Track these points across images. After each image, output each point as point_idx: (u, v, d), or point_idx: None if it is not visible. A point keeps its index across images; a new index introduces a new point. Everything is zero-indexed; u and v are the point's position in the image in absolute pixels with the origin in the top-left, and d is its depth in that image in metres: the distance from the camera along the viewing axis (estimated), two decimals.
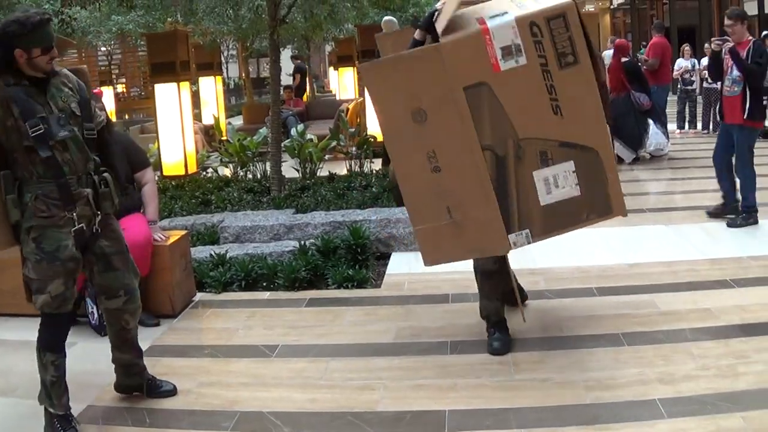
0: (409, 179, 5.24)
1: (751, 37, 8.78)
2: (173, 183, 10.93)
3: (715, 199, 9.07)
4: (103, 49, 28.33)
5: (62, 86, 4.58)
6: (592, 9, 54.28)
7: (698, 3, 27.61)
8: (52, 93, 4.50)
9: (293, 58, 27.90)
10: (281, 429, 4.55)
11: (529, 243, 5.18)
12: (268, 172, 10.76)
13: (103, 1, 9.32)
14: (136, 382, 5.09)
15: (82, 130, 4.60)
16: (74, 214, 4.53)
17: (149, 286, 6.36)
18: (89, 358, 5.71)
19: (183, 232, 7.10)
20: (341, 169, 11.56)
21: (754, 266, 6.97)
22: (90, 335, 6.25)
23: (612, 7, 41.01)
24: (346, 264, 7.45)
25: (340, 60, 20.18)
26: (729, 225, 8.49)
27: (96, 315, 6.25)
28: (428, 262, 5.41)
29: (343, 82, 20.70)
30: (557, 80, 4.86)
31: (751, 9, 27.37)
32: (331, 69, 30.36)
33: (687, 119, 16.90)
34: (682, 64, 16.69)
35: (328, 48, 32.40)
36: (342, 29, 19.84)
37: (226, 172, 11.83)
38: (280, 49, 10.75)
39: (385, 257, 7.97)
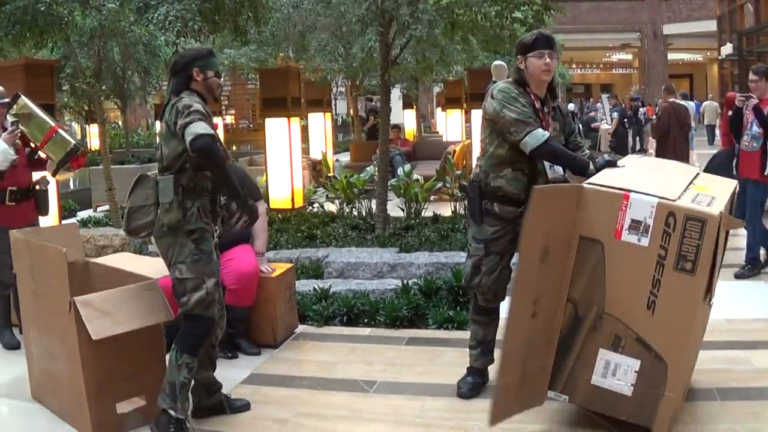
0: (515, 326, 4.69)
1: None
2: (279, 216, 11.10)
3: None
4: None
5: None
6: (701, 59, 53.87)
7: None
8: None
9: (367, 99, 28.14)
10: None
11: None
12: (374, 209, 10.86)
13: (217, 35, 9.53)
14: (217, 401, 5.32)
15: None
16: (216, 228, 5.00)
17: (254, 316, 6.52)
18: None
19: (289, 265, 7.25)
20: (446, 211, 11.61)
21: None
22: None
23: (720, 57, 40.56)
24: (447, 305, 7.51)
25: (448, 101, 20.32)
26: (737, 276, 8.65)
27: None
28: (494, 420, 4.78)
29: (450, 124, 20.80)
30: (666, 278, 4.61)
31: None
32: (438, 110, 30.51)
33: None
34: None
35: (436, 89, 32.55)
36: (451, 71, 19.99)
37: (332, 208, 11.96)
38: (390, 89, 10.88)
39: None
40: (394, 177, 12.39)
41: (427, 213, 11.25)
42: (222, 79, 5.31)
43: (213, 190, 4.93)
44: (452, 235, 9.77)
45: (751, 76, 8.96)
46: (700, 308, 4.65)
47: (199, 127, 4.64)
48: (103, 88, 14.23)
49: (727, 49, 39.30)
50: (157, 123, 25.90)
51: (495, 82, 12.72)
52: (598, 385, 4.85)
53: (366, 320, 7.36)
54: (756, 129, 8.64)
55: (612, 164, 5.20)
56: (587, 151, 5.62)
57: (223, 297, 5.26)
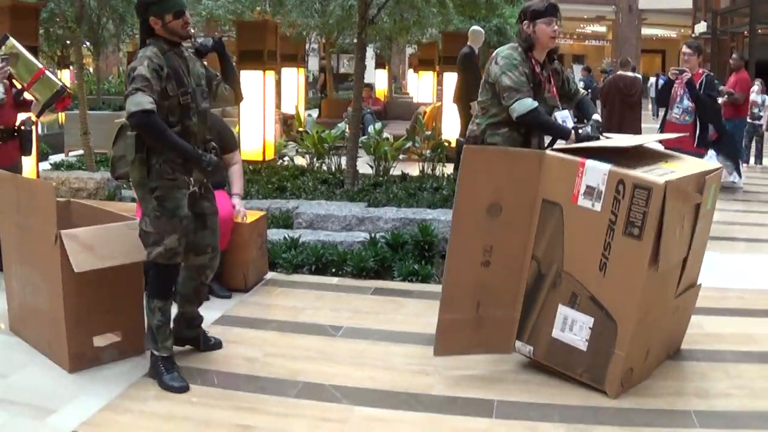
0: (457, 268, 5.28)
1: (703, 70, 9.20)
2: (251, 168, 11.25)
3: None
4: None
5: (195, 59, 5.20)
6: (674, 35, 54.11)
7: None
8: (191, 64, 5.12)
9: (321, 58, 28.24)
10: (340, 400, 4.88)
11: (528, 357, 5.42)
12: (343, 165, 11.06)
13: None
14: (194, 334, 5.63)
15: (208, 103, 5.20)
16: (192, 178, 5.08)
17: (226, 261, 6.69)
18: None
19: (261, 213, 7.49)
20: (414, 170, 11.77)
21: None
22: None
23: (693, 35, 40.83)
24: (413, 259, 7.75)
25: (421, 63, 20.47)
26: None
27: None
28: (438, 351, 5.39)
29: (421, 86, 20.96)
30: (616, 242, 4.90)
31: None
32: (410, 72, 30.62)
33: (754, 154, 17.03)
34: (752, 98, 16.79)
35: (409, 51, 32.63)
36: (426, 33, 20.11)
37: (302, 162, 12.12)
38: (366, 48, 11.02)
39: None
40: (365, 135, 12.57)
41: (396, 171, 11.44)
42: (195, 30, 5.41)
43: (183, 137, 4.98)
44: (419, 194, 9.96)
45: (684, 50, 9.39)
46: (651, 273, 4.87)
47: (132, 103, 4.74)
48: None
49: (701, 27, 39.55)
50: None
51: (470, 46, 12.98)
52: (557, 338, 5.21)
53: (334, 270, 7.60)
54: (687, 102, 9.06)
55: (592, 138, 5.57)
56: (591, 120, 5.95)
57: (217, 240, 5.46)
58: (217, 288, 6.74)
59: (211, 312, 6.17)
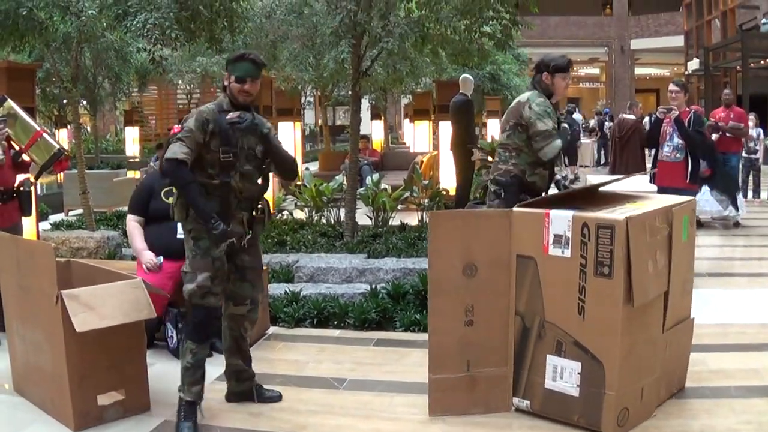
0: (440, 329, 5.47)
1: (690, 107, 9.33)
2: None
3: None
4: (182, 87, 28.96)
5: (257, 124, 5.40)
6: (668, 74, 54.37)
7: None
8: (245, 130, 5.32)
9: None
10: None
11: (526, 412, 5.46)
12: (342, 217, 11.09)
13: (193, 43, 9.70)
14: (247, 388, 5.70)
15: (259, 167, 5.43)
16: (229, 227, 5.21)
17: None
18: (166, 378, 6.04)
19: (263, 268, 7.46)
20: (412, 220, 11.81)
21: None
22: (168, 358, 6.65)
23: (687, 72, 41.07)
24: (414, 309, 7.74)
25: (417, 113, 20.50)
26: None
27: (175, 339, 6.62)
28: (433, 412, 5.50)
29: (417, 135, 21.03)
30: (589, 284, 5.03)
31: None
32: (406, 121, 30.74)
33: (751, 188, 17.09)
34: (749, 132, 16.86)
35: (404, 101, 32.79)
36: (420, 83, 20.20)
37: (301, 215, 12.15)
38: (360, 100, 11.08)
39: None
40: (362, 186, 12.61)
41: (395, 222, 11.46)
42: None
43: (222, 192, 5.24)
44: (419, 243, 9.98)
45: (671, 87, 9.52)
46: (627, 309, 4.96)
47: (170, 151, 5.09)
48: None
49: (694, 64, 39.79)
50: (127, 129, 26.08)
51: (463, 94, 13.07)
52: (550, 388, 5.27)
53: (335, 322, 7.61)
54: (677, 140, 9.17)
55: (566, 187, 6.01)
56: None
57: (257, 294, 5.64)
58: (220, 344, 6.71)
59: (214, 368, 6.14)
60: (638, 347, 5.13)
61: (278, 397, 5.73)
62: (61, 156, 7.18)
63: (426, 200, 12.39)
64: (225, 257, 5.28)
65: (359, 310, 7.60)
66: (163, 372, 6.23)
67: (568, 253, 5.10)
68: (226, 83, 5.35)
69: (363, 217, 11.25)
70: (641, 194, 5.88)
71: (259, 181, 5.50)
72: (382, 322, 7.60)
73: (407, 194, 12.23)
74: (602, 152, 29.11)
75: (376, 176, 12.74)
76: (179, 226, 6.59)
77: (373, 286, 8.17)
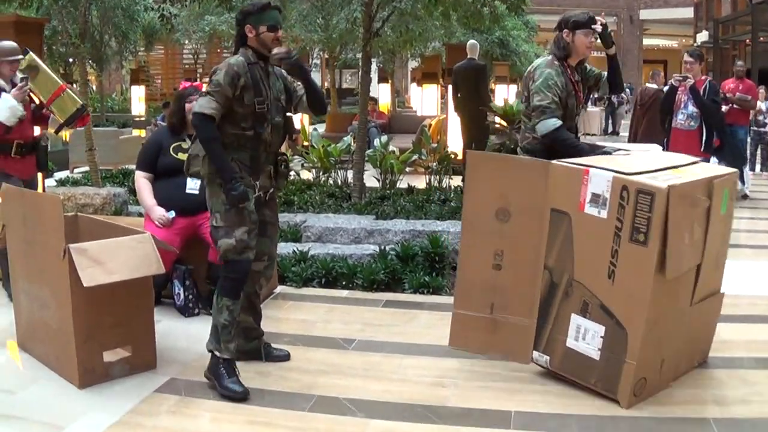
0: (469, 267, 5.62)
1: (705, 77, 9.21)
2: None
3: None
4: (188, 47, 28.85)
5: (277, 75, 5.35)
6: (676, 45, 54.15)
7: None
8: (273, 80, 5.27)
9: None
10: (355, 413, 4.81)
11: (544, 368, 5.40)
12: (349, 179, 11.03)
13: (202, 1, 9.61)
14: (255, 347, 5.63)
15: (284, 117, 5.39)
16: (258, 183, 5.21)
17: None
18: (173, 335, 6.06)
19: None
20: (420, 183, 11.76)
21: None
22: (174, 315, 6.60)
23: (695, 44, 40.85)
24: (423, 271, 7.68)
25: (425, 76, 20.36)
26: None
27: (182, 296, 6.56)
28: (454, 342, 5.74)
29: (425, 98, 20.93)
30: (623, 249, 4.89)
31: None
32: (413, 85, 30.61)
33: (760, 162, 17.00)
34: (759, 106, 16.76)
35: (412, 64, 32.67)
36: (428, 46, 20.08)
37: (308, 176, 12.08)
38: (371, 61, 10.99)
39: None
40: (370, 148, 12.54)
41: (402, 184, 11.43)
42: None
43: (253, 145, 5.17)
44: (427, 206, 9.95)
45: (686, 58, 9.45)
46: (658, 280, 4.82)
47: (198, 104, 5.02)
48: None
49: (703, 36, 39.60)
50: (133, 88, 26.01)
51: (472, 58, 12.97)
52: (571, 347, 5.17)
53: (344, 283, 7.53)
54: (692, 108, 9.07)
55: (608, 153, 5.83)
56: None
57: (274, 249, 5.63)
58: (209, 303, 6.67)
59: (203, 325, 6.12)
60: (664, 319, 5.03)
61: (286, 357, 5.67)
62: (84, 111, 7.09)
63: (434, 163, 12.32)
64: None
65: (368, 271, 7.53)
66: (170, 329, 6.18)
67: (604, 214, 4.95)
68: (250, 35, 5.16)
69: (370, 179, 11.19)
70: (684, 160, 5.68)
71: (283, 133, 5.46)
72: (391, 284, 7.54)
73: (415, 157, 12.16)
74: (609, 120, 29.06)
75: (384, 138, 12.65)
76: (188, 181, 6.54)
77: (382, 247, 8.10)
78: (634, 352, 4.89)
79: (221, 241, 5.10)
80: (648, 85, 13.84)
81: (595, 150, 5.99)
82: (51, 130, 7.33)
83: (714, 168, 5.68)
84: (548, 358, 5.34)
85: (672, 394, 5.16)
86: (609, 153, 5.89)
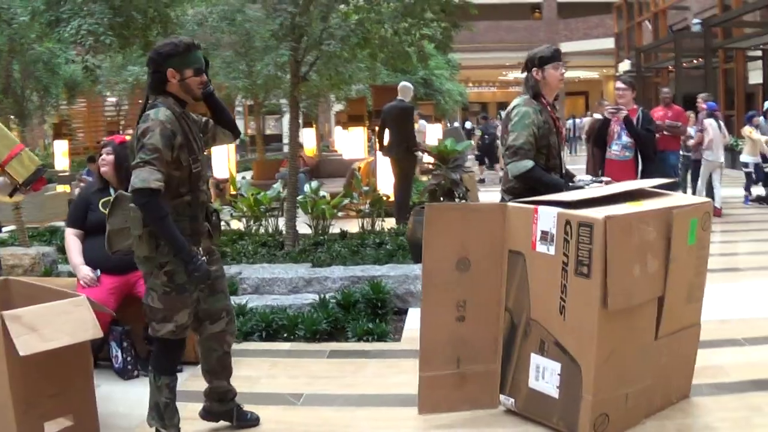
0: (432, 325, 5.38)
1: (636, 105, 9.31)
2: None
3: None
4: (110, 99, 28.57)
5: (194, 119, 4.88)
6: (597, 76, 54.99)
7: (704, 71, 28.00)
8: (194, 129, 4.79)
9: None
10: None
11: (511, 410, 5.40)
12: (281, 227, 10.89)
13: (126, 49, 9.46)
14: (229, 408, 5.32)
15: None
16: (200, 248, 4.80)
17: None
18: (114, 400, 5.82)
19: None
20: (353, 227, 11.69)
21: (764, 326, 7.13)
22: (113, 378, 6.36)
23: (617, 74, 41.56)
24: (366, 318, 7.56)
25: (351, 119, 20.35)
26: None
27: (120, 358, 6.35)
28: (423, 410, 5.43)
29: (352, 141, 20.87)
30: (570, 283, 4.91)
31: (756, 78, 27.84)
32: (338, 129, 30.59)
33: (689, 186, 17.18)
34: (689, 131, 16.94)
35: (336, 107, 32.68)
36: (352, 89, 20.06)
37: (239, 225, 11.91)
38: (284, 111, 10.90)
39: (401, 312, 8.08)
40: (299, 194, 12.41)
41: (334, 230, 11.31)
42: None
43: (192, 210, 4.78)
44: (362, 250, 9.86)
45: (619, 85, 9.47)
46: (605, 312, 4.79)
47: (139, 178, 4.50)
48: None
49: (625, 65, 40.42)
50: (56, 142, 25.58)
51: (401, 100, 12.96)
52: (533, 388, 5.17)
53: (285, 335, 7.34)
54: (626, 138, 9.06)
55: (581, 187, 5.88)
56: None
57: (229, 302, 5.27)
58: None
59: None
60: (622, 353, 4.97)
61: (255, 421, 5.39)
62: (44, 173, 6.79)
63: (366, 206, 12.23)
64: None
65: (309, 321, 7.36)
66: (110, 394, 5.94)
67: (552, 250, 4.98)
68: (173, 80, 4.66)
69: (302, 225, 11.03)
70: (660, 192, 5.67)
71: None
72: (334, 333, 7.38)
73: (347, 201, 12.07)
74: None
75: (314, 184, 12.52)
76: None
77: (322, 295, 7.95)
78: (588, 387, 4.86)
79: (159, 325, 4.79)
80: (595, 115, 13.91)
81: (569, 184, 6.04)
82: (5, 196, 6.98)
83: (683, 198, 5.64)
84: (513, 400, 5.33)
85: (637, 427, 5.12)
86: (582, 187, 5.94)
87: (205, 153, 5.03)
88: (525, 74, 6.24)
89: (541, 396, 5.13)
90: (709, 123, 14.70)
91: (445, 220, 5.36)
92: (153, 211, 4.50)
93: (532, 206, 5.14)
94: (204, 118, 5.11)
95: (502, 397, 5.40)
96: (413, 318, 7.84)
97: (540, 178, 5.97)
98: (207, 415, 5.31)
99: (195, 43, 4.77)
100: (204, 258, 4.79)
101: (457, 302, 5.33)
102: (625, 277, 4.84)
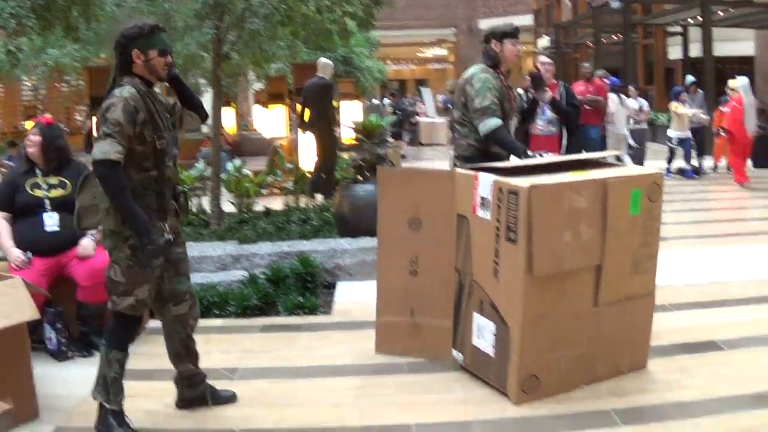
0: (387, 275, 6.03)
1: (556, 80, 9.53)
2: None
3: None
4: (27, 83, 28.09)
5: (160, 100, 4.94)
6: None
7: (623, 47, 28.36)
8: (160, 109, 4.86)
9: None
10: None
11: (460, 365, 5.67)
12: (204, 205, 10.89)
13: (48, 32, 9.38)
14: (200, 392, 5.33)
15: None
16: (166, 225, 4.84)
17: (106, 313, 6.42)
18: (51, 382, 5.78)
19: None
20: (276, 204, 11.71)
21: (691, 292, 7.32)
22: (48, 361, 6.31)
23: (536, 50, 41.84)
24: (297, 292, 7.63)
25: (272, 97, 20.31)
26: None
27: (54, 340, 6.33)
28: (379, 350, 6.12)
29: (273, 120, 20.83)
30: (501, 248, 5.13)
31: (675, 53, 28.29)
32: (257, 107, 30.44)
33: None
34: (632, 104, 17.29)
35: (257, 86, 32.50)
36: (271, 68, 19.99)
37: None
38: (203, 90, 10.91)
39: (330, 286, 8.18)
40: (222, 173, 12.42)
41: (258, 207, 11.36)
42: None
43: (159, 185, 4.81)
44: (288, 227, 9.89)
45: (544, 59, 9.63)
46: (533, 277, 4.98)
47: (99, 150, 4.51)
48: None
49: (544, 41, 40.70)
50: None
51: (321, 77, 13.03)
52: (476, 345, 5.42)
53: (217, 311, 7.37)
54: (550, 114, 9.19)
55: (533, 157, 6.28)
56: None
57: (191, 285, 5.29)
58: (98, 339, 6.45)
59: (96, 368, 5.92)
60: (553, 317, 5.12)
61: (233, 397, 5.42)
62: None
63: (290, 183, 12.27)
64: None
65: (240, 297, 7.42)
66: (46, 376, 5.87)
67: (488, 215, 5.20)
68: (138, 60, 4.73)
69: (226, 204, 11.04)
70: (613, 164, 5.88)
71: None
72: (265, 308, 7.43)
73: (271, 178, 12.10)
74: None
75: (237, 162, 12.51)
76: (46, 218, 6.33)
77: (251, 272, 8.00)
78: (516, 349, 5.06)
79: (119, 299, 4.80)
80: (518, 90, 14.08)
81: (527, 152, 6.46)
82: None
83: (631, 169, 5.82)
84: (462, 356, 5.60)
85: (572, 392, 5.27)
86: (534, 156, 6.34)
87: (177, 151, 5.16)
88: (484, 45, 6.76)
89: (482, 353, 5.38)
90: (611, 97, 14.96)
91: (395, 181, 5.99)
92: (111, 182, 4.55)
93: (473, 173, 5.39)
94: (172, 101, 5.18)
95: (454, 352, 5.69)
96: (342, 291, 7.96)
97: (504, 138, 6.52)
98: (182, 403, 5.32)
99: (159, 26, 4.87)
100: (170, 236, 4.86)
101: (410, 258, 5.86)
102: (553, 243, 5.00)
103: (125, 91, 4.64)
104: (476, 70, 6.62)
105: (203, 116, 5.33)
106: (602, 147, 14.29)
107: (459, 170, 5.69)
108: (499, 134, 6.43)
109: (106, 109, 4.60)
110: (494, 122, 6.39)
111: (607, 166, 5.70)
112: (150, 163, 4.75)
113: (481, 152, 6.49)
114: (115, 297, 4.81)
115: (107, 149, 4.49)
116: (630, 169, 5.92)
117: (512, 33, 6.75)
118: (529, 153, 6.51)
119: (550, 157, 6.29)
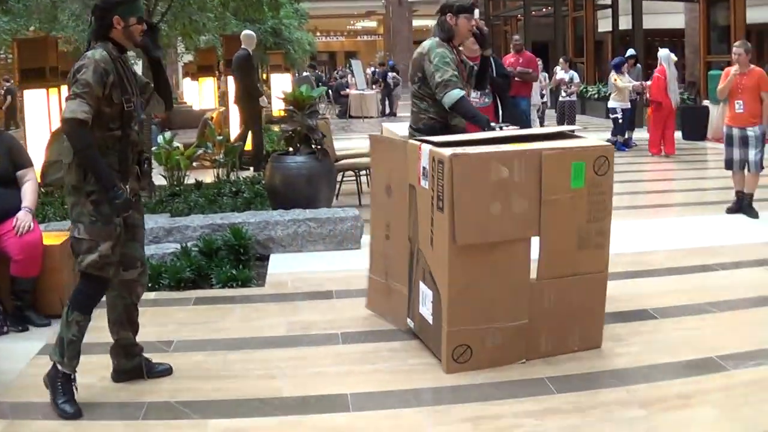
0: (375, 236, 6.43)
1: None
2: (43, 190, 10.83)
3: None
4: None
5: (130, 67, 5.04)
6: None
7: (553, 20, 28.58)
8: (130, 74, 4.96)
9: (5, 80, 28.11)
10: (191, 416, 4.73)
11: (413, 330, 5.84)
12: None
13: None
14: (136, 364, 5.32)
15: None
16: (127, 186, 4.87)
17: (40, 286, 6.41)
18: None
19: (68, 235, 7.13)
20: (207, 177, 11.68)
21: (621, 262, 7.37)
22: None
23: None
24: (230, 264, 7.64)
25: (201, 70, 20.18)
26: None
27: None
28: (369, 305, 6.48)
29: (203, 92, 20.71)
30: (435, 217, 5.23)
31: (605, 26, 28.61)
32: (186, 80, 30.20)
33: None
34: (560, 76, 17.41)
35: (185, 58, 32.24)
36: (201, 40, 19.88)
37: None
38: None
39: (263, 258, 8.22)
40: (153, 146, 12.33)
41: (189, 180, 11.35)
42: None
43: (122, 146, 4.86)
44: (220, 199, 9.92)
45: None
46: (458, 246, 5.07)
47: (68, 109, 4.64)
48: None
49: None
50: None
51: (245, 49, 13.08)
52: (421, 313, 5.54)
53: (150, 284, 7.27)
54: None
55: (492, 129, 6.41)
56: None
57: (144, 254, 5.32)
58: (35, 317, 6.39)
59: (32, 342, 5.90)
60: (482, 288, 5.16)
61: (169, 370, 5.42)
62: None
63: (221, 156, 12.24)
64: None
65: (173, 270, 7.40)
66: None
67: (427, 185, 5.31)
68: (118, 26, 4.80)
69: (156, 177, 10.93)
70: (569, 135, 5.75)
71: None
72: (198, 281, 7.44)
73: (201, 151, 12.06)
74: (386, 102, 29.59)
75: (168, 134, 12.42)
76: None
77: (183, 244, 7.99)
78: (445, 317, 5.16)
79: (83, 256, 4.82)
80: None
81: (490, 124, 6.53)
82: None
83: (578, 141, 5.52)
84: (413, 323, 5.74)
85: (513, 365, 5.33)
86: (493, 129, 6.44)
87: (144, 115, 5.17)
88: (438, 17, 6.74)
89: (425, 321, 5.49)
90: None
91: (378, 148, 6.43)
92: (78, 140, 4.62)
93: (417, 143, 5.51)
94: (146, 80, 5.28)
95: (408, 319, 5.87)
96: (275, 263, 7.99)
97: (468, 109, 6.54)
98: (117, 375, 5.30)
99: None
100: (128, 195, 4.87)
101: (386, 222, 6.17)
102: (478, 213, 5.05)
103: (97, 53, 4.75)
104: (432, 44, 6.58)
105: (168, 106, 5.46)
106: (528, 119, 14.39)
107: (410, 141, 5.81)
108: (464, 104, 6.43)
109: (77, 70, 4.71)
110: (457, 93, 6.35)
111: (569, 138, 5.62)
112: (116, 125, 4.82)
113: (441, 125, 6.50)
114: (81, 255, 4.84)
115: (75, 108, 4.60)
116: (579, 141, 5.53)
117: (468, 8, 6.69)
118: (492, 124, 6.58)
119: (510, 131, 6.37)
